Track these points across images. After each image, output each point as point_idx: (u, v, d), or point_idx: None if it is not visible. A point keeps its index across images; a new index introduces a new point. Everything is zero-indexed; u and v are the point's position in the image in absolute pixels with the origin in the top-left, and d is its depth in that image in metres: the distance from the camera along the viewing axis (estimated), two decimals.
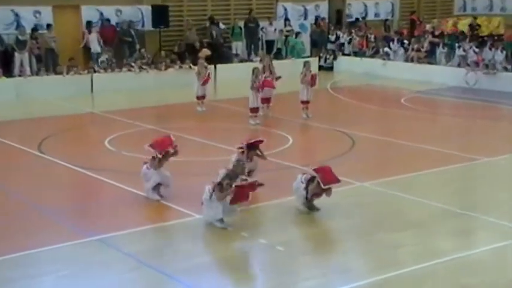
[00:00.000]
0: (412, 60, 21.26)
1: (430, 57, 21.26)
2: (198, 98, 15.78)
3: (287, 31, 22.86)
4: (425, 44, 21.44)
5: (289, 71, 17.43)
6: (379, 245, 7.70)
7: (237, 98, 16.64)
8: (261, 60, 16.52)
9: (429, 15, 25.77)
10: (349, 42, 23.32)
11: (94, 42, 19.53)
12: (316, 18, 24.33)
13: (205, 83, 15.85)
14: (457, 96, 18.17)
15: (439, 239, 7.93)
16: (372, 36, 23.19)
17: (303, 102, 14.76)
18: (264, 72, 14.96)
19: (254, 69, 14.58)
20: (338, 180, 8.48)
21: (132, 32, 20.21)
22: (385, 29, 24.13)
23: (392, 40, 22.36)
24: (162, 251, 7.59)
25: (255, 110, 14.31)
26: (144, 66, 19.26)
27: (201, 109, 15.63)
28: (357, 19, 25.28)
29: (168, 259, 7.37)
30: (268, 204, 9.06)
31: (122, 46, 20.12)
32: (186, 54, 20.72)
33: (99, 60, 19.07)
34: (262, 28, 22.57)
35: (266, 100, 14.88)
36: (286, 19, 23.42)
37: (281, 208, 8.87)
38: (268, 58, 16.26)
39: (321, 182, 8.31)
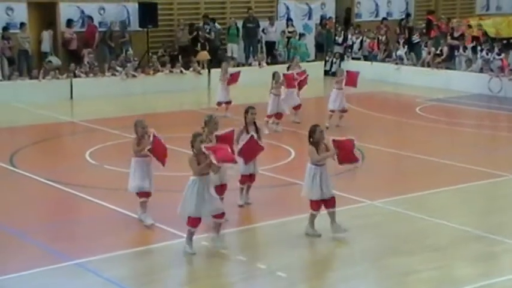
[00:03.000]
0: (428, 65, 21.34)
1: (448, 61, 21.32)
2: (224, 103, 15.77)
3: (289, 32, 22.96)
4: (445, 48, 21.50)
5: None
6: (391, 271, 7.68)
7: (233, 105, 16.65)
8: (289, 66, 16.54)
9: (448, 15, 25.89)
10: (360, 45, 23.36)
11: (45, 40, 19.54)
12: (322, 18, 24.40)
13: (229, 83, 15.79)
14: (480, 105, 18.21)
15: (459, 265, 7.92)
16: (384, 37, 23.28)
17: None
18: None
19: (274, 74, 14.91)
20: (356, 160, 8.71)
21: (126, 35, 20.24)
22: (400, 30, 24.19)
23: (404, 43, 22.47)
24: (149, 277, 7.56)
25: (279, 116, 14.65)
26: (132, 72, 19.31)
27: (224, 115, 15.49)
28: (385, 18, 25.21)
29: (155, 286, 7.34)
30: (267, 225, 9.06)
31: (103, 48, 20.17)
32: (180, 57, 20.80)
33: (46, 60, 19.01)
34: (263, 29, 22.67)
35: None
36: (289, 19, 23.51)
37: (281, 229, 8.86)
38: (296, 60, 16.77)
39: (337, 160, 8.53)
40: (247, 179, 9.60)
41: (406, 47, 22.18)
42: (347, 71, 15.58)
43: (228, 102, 15.83)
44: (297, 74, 15.42)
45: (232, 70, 16.56)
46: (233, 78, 15.86)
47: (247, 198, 9.75)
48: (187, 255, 7.97)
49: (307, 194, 8.60)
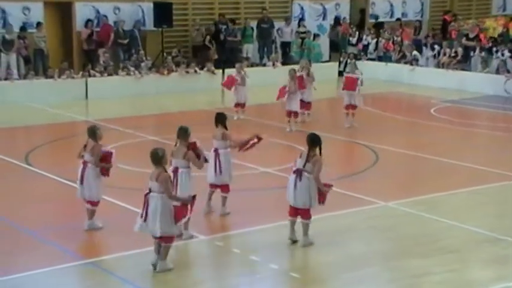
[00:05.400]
0: (443, 66, 21.21)
1: (464, 62, 21.19)
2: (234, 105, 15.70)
3: (302, 32, 22.93)
4: (459, 49, 21.36)
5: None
6: (405, 273, 7.64)
7: (246, 105, 16.65)
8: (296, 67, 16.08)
9: (464, 16, 25.74)
10: (375, 46, 23.26)
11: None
12: (336, 18, 24.29)
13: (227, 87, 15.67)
14: (495, 107, 18.08)
15: (474, 268, 7.86)
16: (399, 38, 23.18)
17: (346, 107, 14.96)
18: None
19: (290, 71, 14.89)
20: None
21: (137, 33, 20.32)
22: (414, 31, 24.06)
23: (425, 45, 22.33)
24: (162, 276, 7.56)
25: (290, 114, 14.61)
26: (145, 71, 19.39)
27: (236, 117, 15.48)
28: (399, 19, 25.13)
29: (169, 286, 7.34)
30: (280, 225, 9.01)
31: (117, 48, 20.23)
32: (191, 56, 20.85)
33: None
34: (278, 29, 22.67)
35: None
36: (301, 19, 23.48)
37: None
38: (306, 63, 16.37)
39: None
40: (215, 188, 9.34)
41: (435, 46, 22.07)
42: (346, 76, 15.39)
43: (241, 105, 15.70)
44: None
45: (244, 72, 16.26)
46: (228, 82, 15.56)
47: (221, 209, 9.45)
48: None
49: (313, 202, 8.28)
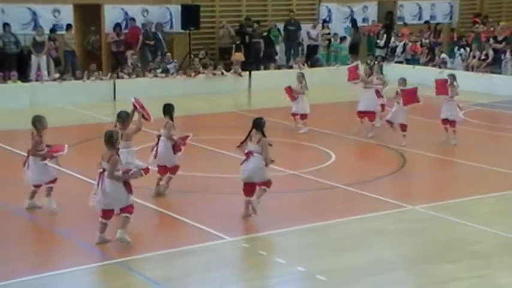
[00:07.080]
0: (472, 69, 21.03)
1: (494, 65, 20.98)
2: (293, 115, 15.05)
3: (327, 34, 22.90)
4: (490, 52, 21.13)
5: (332, 80, 17.49)
6: (432, 279, 7.60)
7: (272, 108, 16.70)
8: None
9: (494, 18, 25.47)
10: (403, 49, 23.14)
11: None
12: (353, 21, 24.12)
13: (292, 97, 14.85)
14: None
15: (502, 274, 7.80)
16: (427, 41, 23.04)
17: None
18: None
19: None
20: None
21: (160, 35, 20.50)
22: (434, 34, 23.88)
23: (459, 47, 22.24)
24: (189, 277, 7.63)
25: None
26: (172, 73, 19.55)
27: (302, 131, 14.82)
28: (427, 21, 24.92)
29: (195, 287, 7.40)
30: (307, 228, 9.05)
31: (145, 50, 20.42)
32: (218, 58, 20.96)
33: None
34: (308, 33, 22.67)
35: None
36: (325, 21, 23.45)
37: (321, 232, 8.85)
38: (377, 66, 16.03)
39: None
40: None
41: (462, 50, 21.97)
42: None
43: (301, 115, 14.93)
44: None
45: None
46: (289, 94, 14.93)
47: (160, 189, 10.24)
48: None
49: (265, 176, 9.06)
